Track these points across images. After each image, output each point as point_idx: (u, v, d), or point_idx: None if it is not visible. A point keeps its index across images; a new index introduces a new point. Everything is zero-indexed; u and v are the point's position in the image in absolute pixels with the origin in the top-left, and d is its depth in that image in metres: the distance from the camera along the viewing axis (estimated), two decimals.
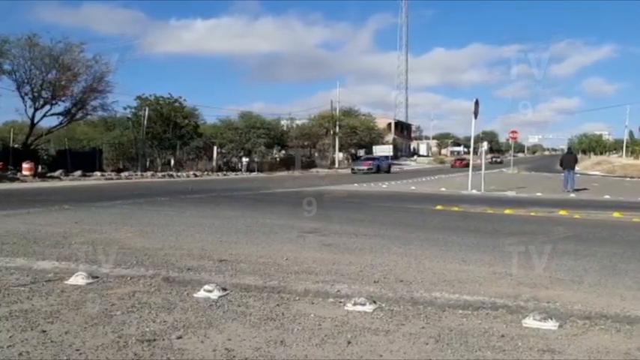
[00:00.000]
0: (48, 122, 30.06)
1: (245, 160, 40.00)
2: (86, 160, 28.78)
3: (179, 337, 2.70)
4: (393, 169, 43.13)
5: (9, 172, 21.00)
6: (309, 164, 46.44)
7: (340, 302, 3.39)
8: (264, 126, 45.83)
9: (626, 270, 4.68)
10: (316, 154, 51.51)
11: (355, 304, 3.29)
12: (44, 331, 2.74)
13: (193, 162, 37.10)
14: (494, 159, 70.44)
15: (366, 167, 36.91)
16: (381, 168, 37.87)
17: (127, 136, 35.25)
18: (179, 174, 29.93)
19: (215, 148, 38.71)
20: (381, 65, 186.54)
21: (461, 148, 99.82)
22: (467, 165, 43.42)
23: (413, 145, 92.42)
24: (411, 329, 2.91)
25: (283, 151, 47.04)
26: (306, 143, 51.10)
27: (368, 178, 26.97)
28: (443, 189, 18.97)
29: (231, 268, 4.39)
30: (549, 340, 2.75)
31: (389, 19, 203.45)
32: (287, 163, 42.60)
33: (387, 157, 47.50)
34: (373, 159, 41.14)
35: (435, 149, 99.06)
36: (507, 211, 10.60)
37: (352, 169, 37.56)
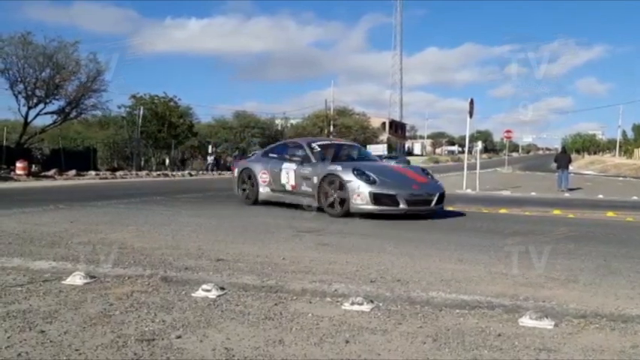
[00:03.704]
0: (42, 121, 29.85)
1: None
2: (80, 160, 28.68)
3: (178, 337, 2.71)
4: None
5: (2, 172, 20.83)
6: None
7: (337, 302, 3.41)
8: (259, 125, 45.85)
9: (620, 269, 4.72)
10: None
11: (353, 303, 3.30)
12: (43, 332, 2.74)
13: (188, 161, 36.95)
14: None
15: None
16: None
17: (122, 135, 35.16)
18: (174, 173, 29.87)
19: (210, 147, 38.61)
20: (374, 64, 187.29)
21: (455, 148, 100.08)
22: None
23: (407, 144, 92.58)
24: (408, 328, 2.93)
25: None
26: None
27: None
28: None
29: (228, 267, 4.40)
30: (545, 339, 2.78)
31: (381, 19, 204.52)
32: None
33: None
34: None
35: (429, 148, 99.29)
36: (502, 211, 10.66)
37: None
